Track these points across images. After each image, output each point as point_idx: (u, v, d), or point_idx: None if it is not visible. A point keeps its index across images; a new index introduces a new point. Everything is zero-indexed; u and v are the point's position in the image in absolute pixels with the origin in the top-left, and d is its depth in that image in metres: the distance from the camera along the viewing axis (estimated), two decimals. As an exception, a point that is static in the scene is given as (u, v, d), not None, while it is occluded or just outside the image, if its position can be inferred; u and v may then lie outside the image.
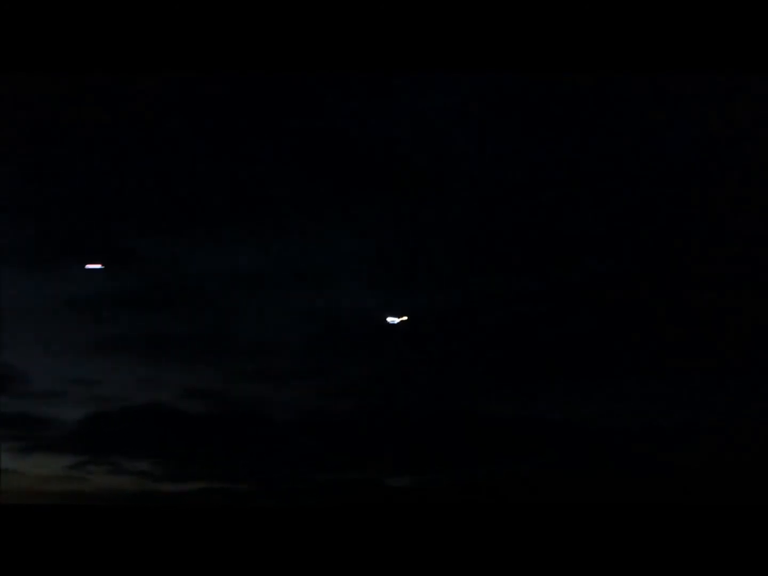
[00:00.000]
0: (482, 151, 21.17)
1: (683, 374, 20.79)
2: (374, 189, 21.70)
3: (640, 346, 20.86)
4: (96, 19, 15.15)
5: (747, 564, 16.75)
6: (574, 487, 20.05)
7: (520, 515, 18.44)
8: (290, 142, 21.78)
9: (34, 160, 21.56)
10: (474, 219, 21.50)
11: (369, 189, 21.79)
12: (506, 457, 20.77)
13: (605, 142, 21.17)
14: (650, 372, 20.87)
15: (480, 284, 21.40)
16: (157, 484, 21.61)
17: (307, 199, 21.83)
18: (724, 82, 17.60)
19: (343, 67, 15.98)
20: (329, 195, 21.80)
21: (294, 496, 20.69)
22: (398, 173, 21.37)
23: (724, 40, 15.40)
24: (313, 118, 21.78)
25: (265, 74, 19.46)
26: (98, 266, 21.43)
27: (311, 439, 21.22)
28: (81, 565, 17.53)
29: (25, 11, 15.25)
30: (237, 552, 17.88)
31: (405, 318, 17.76)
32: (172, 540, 18.22)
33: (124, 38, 15.36)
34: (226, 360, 21.75)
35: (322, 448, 21.13)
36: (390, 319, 17.76)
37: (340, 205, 21.75)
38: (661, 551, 17.11)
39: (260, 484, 21.00)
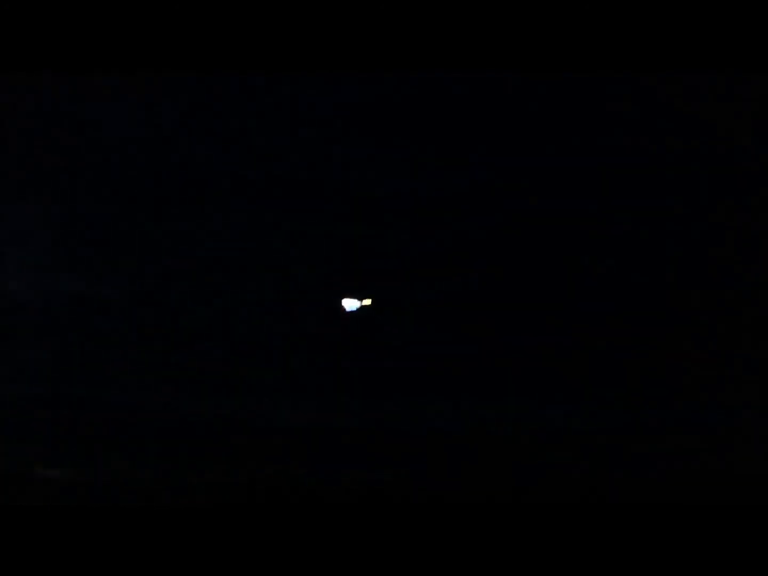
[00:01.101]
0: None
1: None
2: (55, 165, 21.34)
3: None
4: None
5: (737, 565, 16.66)
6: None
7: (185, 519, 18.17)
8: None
9: None
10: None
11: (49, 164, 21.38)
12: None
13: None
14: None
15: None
16: None
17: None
18: (724, 82, 17.67)
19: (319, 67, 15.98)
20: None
21: None
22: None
23: (724, 40, 15.48)
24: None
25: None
26: None
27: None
28: None
29: (24, 11, 15.36)
30: None
31: (368, 302, 16.76)
32: None
33: None
34: None
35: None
36: (347, 304, 16.82)
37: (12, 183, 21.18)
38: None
39: None
